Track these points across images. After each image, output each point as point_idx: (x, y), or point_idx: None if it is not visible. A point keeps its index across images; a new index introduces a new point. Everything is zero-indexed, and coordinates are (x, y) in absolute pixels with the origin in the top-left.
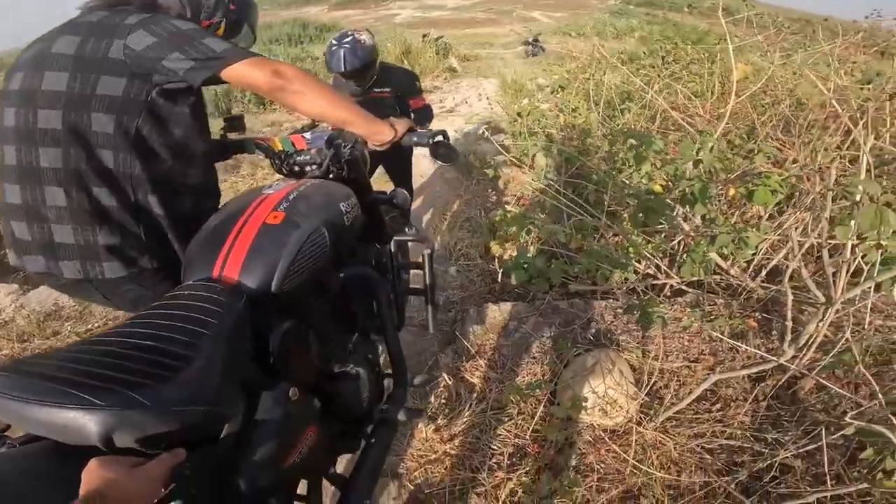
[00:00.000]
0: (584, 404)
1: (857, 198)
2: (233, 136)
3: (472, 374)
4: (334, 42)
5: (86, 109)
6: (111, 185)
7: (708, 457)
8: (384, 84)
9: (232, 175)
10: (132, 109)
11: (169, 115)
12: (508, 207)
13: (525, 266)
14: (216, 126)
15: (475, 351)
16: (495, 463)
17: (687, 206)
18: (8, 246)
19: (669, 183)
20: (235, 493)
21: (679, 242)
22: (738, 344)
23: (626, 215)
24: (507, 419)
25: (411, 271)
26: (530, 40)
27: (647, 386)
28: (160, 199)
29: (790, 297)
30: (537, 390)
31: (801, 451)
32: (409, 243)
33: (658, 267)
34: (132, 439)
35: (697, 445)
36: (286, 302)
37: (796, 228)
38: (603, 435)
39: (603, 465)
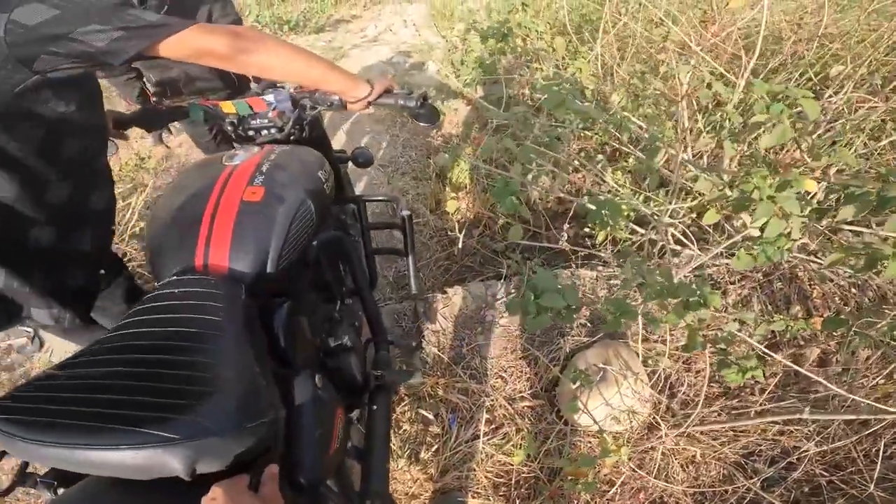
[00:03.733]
0: (594, 415)
1: None
2: (168, 101)
3: (449, 390)
4: None
5: None
6: None
7: (726, 451)
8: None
9: None
10: None
11: (50, 113)
12: (456, 148)
13: (518, 198)
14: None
15: (448, 359)
16: (501, 496)
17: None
18: None
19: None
20: (299, 492)
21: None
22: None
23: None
24: (502, 439)
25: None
26: None
27: (661, 385)
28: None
29: None
30: (533, 400)
31: (818, 439)
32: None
33: (674, 230)
34: (217, 466)
35: (718, 443)
36: (281, 283)
37: None
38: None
39: (620, 482)
